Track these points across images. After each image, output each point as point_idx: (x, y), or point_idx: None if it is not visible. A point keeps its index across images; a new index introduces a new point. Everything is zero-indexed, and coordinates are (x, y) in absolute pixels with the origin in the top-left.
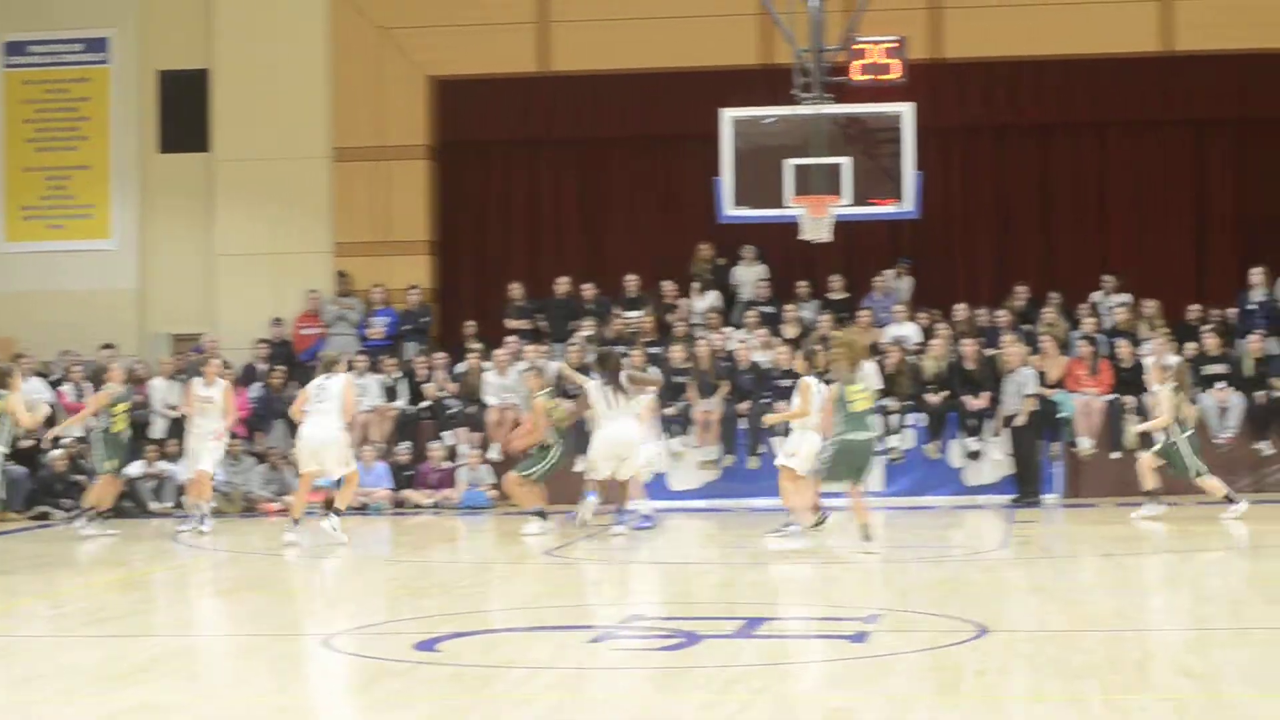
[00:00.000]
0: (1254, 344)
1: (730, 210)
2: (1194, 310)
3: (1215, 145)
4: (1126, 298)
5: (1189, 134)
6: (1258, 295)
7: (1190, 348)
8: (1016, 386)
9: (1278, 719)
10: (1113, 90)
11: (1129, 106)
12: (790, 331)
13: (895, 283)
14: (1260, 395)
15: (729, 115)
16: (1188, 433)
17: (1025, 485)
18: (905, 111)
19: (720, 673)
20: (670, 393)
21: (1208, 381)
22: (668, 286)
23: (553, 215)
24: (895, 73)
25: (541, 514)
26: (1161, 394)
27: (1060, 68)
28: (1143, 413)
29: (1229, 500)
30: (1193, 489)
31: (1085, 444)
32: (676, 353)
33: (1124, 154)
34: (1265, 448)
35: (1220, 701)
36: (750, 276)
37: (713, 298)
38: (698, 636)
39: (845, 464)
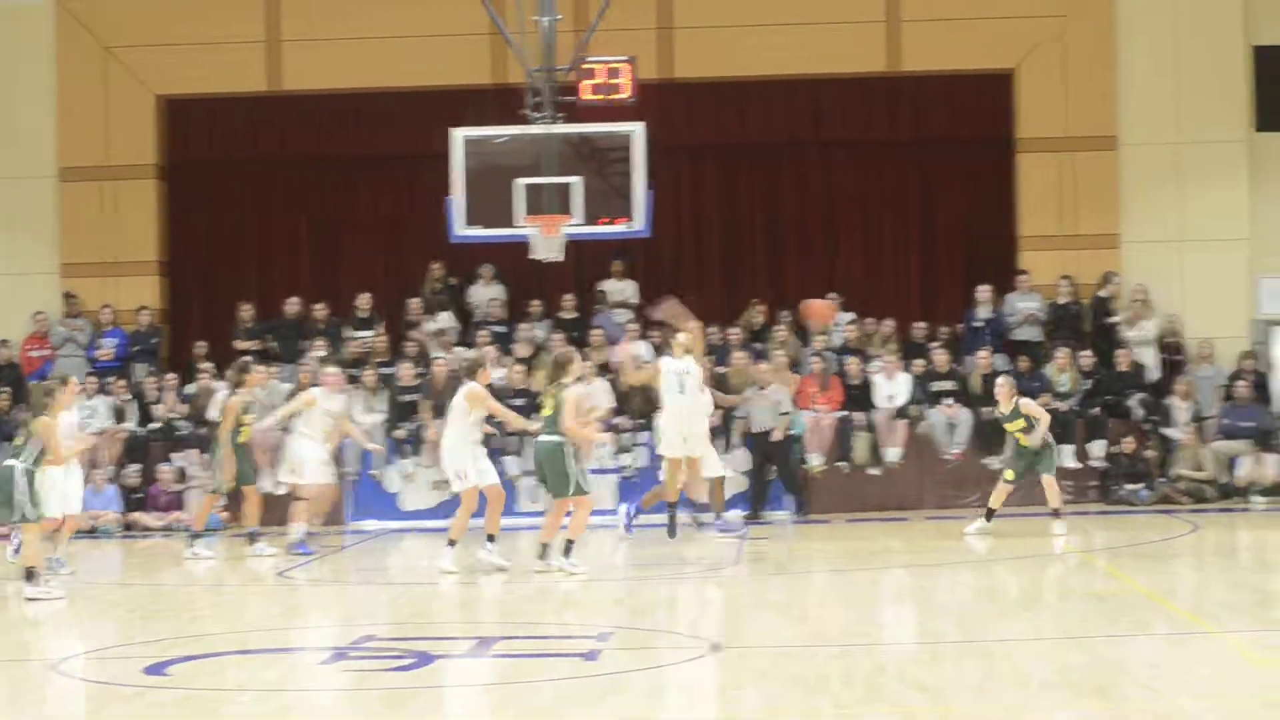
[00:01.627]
0: (981, 360)
1: (462, 230)
2: (920, 328)
3: (941, 165)
4: (854, 316)
5: (915, 154)
6: (984, 313)
7: (919, 365)
8: (772, 404)
9: None
10: (840, 111)
11: (856, 127)
12: (523, 351)
13: (619, 285)
14: (987, 411)
15: (460, 135)
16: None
17: (757, 503)
18: (635, 131)
19: (452, 693)
20: (401, 412)
21: (936, 398)
22: (402, 306)
23: (284, 235)
24: (625, 92)
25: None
26: (1029, 405)
27: (787, 88)
28: (871, 429)
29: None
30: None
31: (815, 460)
32: (406, 372)
33: (851, 173)
34: (993, 462)
35: (949, 714)
36: (486, 296)
37: (445, 318)
38: (431, 657)
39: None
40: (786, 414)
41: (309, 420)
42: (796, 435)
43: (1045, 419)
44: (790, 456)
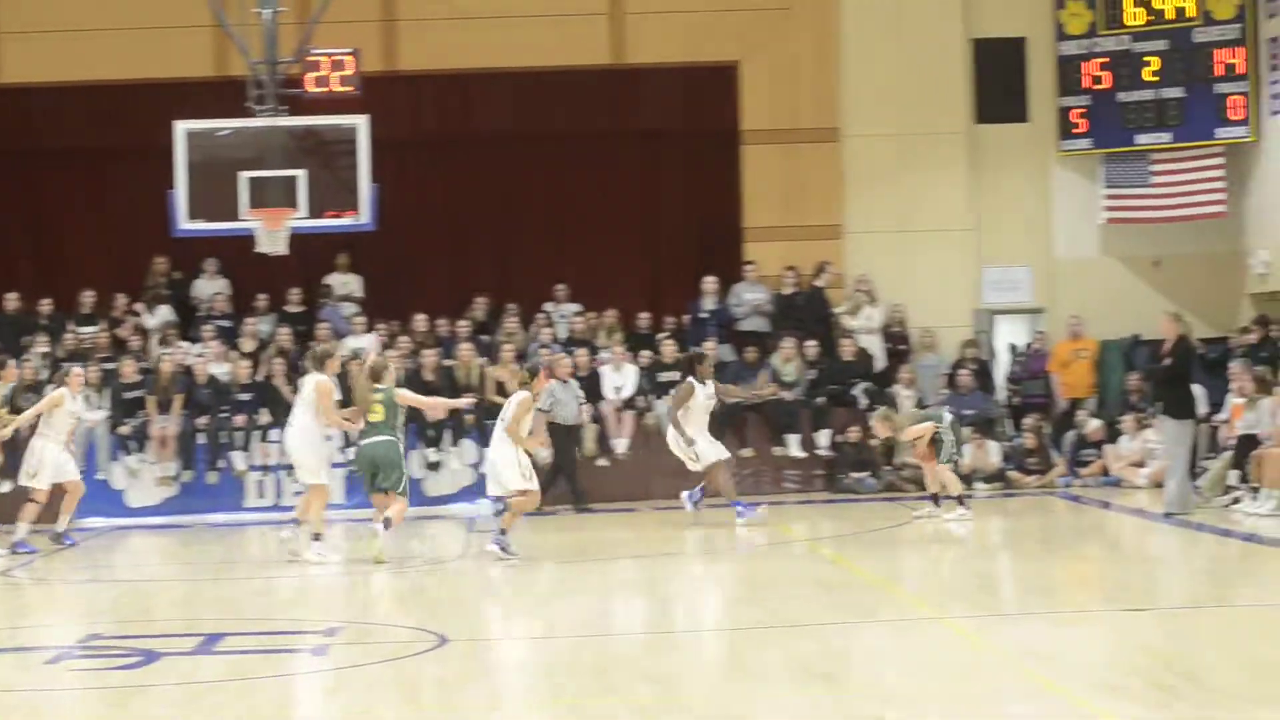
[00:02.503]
0: (708, 351)
1: (185, 224)
2: (647, 319)
3: (666, 156)
4: (580, 307)
5: (640, 146)
6: (710, 303)
7: (646, 356)
8: (575, 397)
9: (734, 716)
10: (565, 103)
11: (581, 119)
12: (248, 345)
13: (344, 278)
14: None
15: (182, 127)
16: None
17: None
18: (360, 124)
19: (178, 690)
20: (125, 408)
21: (663, 389)
22: (122, 301)
23: (1, 229)
24: (348, 85)
25: None
26: (913, 431)
27: (513, 80)
28: (599, 421)
29: (961, 501)
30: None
31: (543, 454)
32: (128, 367)
33: (577, 166)
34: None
35: (677, 703)
36: (210, 290)
37: (165, 311)
38: (156, 654)
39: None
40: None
41: (50, 421)
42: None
43: (925, 430)
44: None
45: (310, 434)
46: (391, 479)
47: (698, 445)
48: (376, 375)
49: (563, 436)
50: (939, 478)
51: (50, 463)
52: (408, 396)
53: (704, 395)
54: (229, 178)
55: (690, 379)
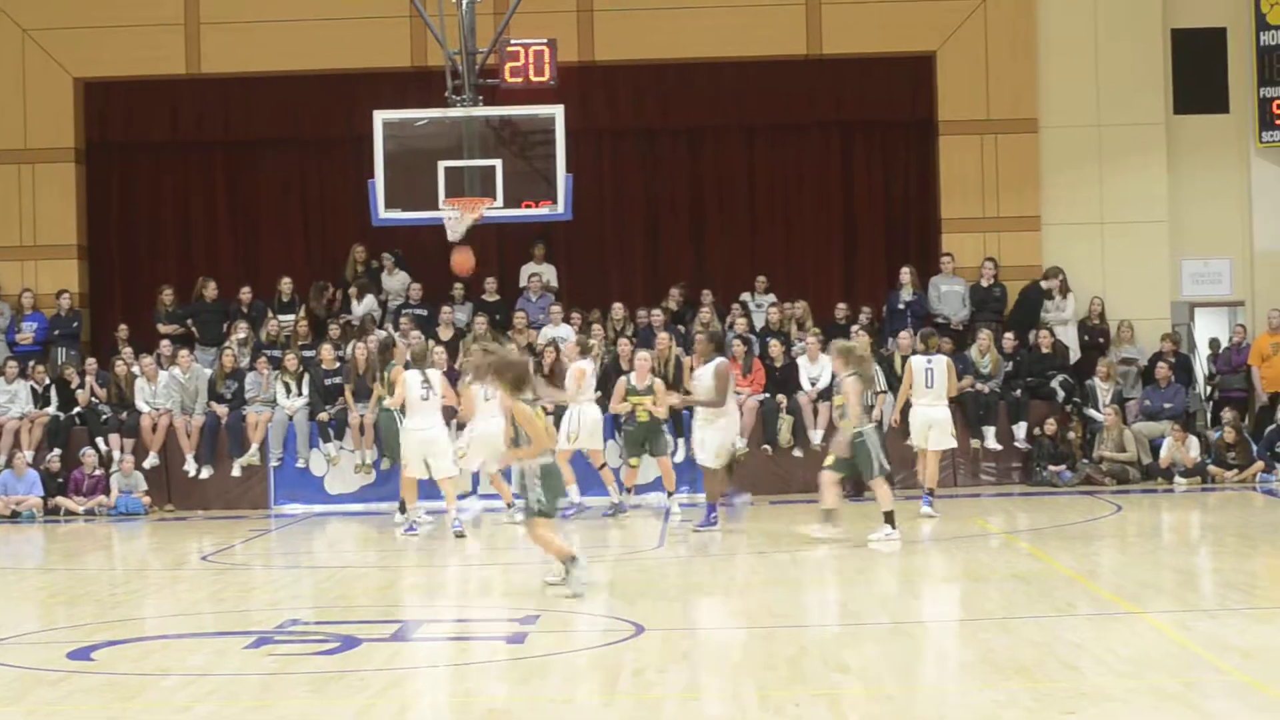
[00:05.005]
0: (904, 342)
1: (385, 213)
2: (842, 310)
3: (863, 147)
4: (775, 298)
5: (836, 136)
6: (906, 295)
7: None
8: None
9: (929, 713)
10: (760, 93)
11: (776, 109)
12: (445, 334)
13: (540, 268)
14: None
15: (381, 117)
16: (872, 424)
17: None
18: (556, 114)
19: (377, 676)
20: (325, 395)
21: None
22: (328, 290)
23: (203, 219)
24: (546, 75)
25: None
26: (846, 384)
27: (708, 71)
28: (794, 411)
29: (888, 522)
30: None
31: (740, 444)
32: (327, 354)
33: (772, 156)
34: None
35: (873, 694)
36: (401, 281)
37: (370, 301)
38: (356, 640)
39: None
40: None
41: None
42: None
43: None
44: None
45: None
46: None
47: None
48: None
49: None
50: (874, 491)
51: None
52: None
53: None
54: (427, 168)
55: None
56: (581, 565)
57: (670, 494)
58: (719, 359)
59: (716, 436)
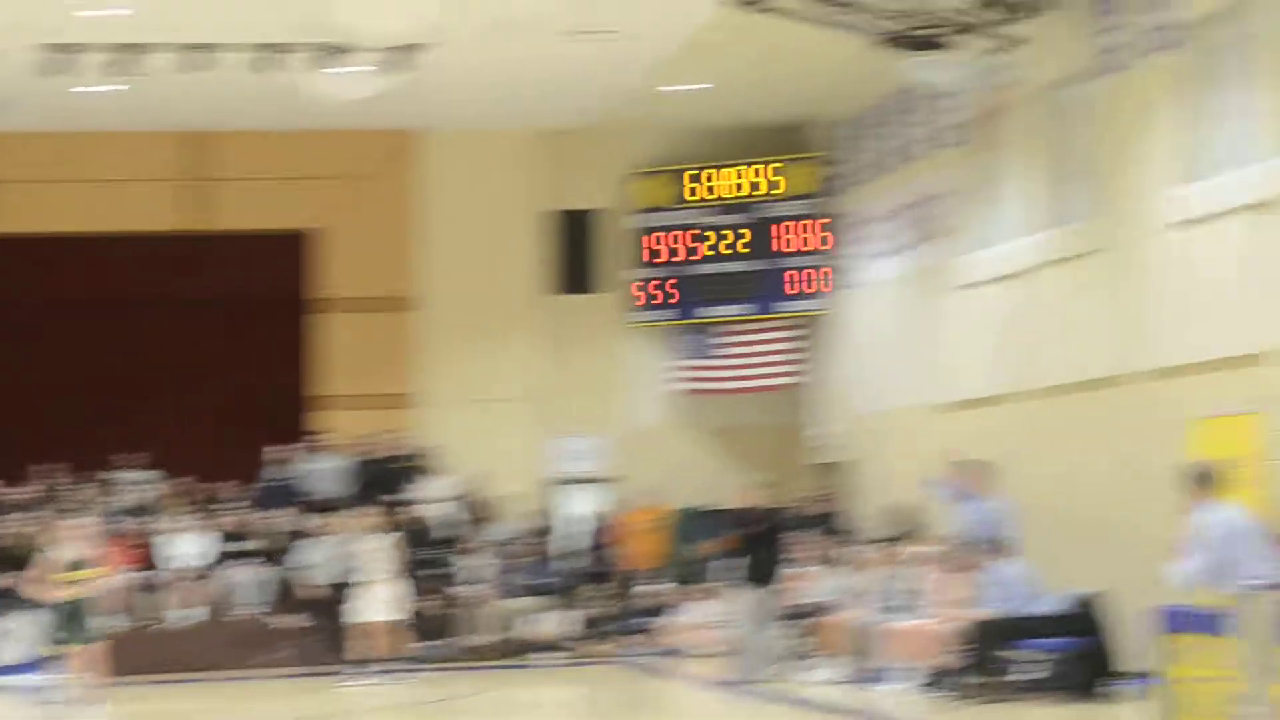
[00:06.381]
0: (277, 519)
1: None
2: (220, 486)
3: (242, 323)
4: (153, 474)
5: (217, 312)
6: (279, 471)
7: (218, 523)
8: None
9: None
10: (143, 268)
11: (159, 285)
12: None
13: None
14: (283, 569)
15: None
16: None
17: None
18: None
19: None
20: None
21: (234, 556)
22: None
23: None
24: None
25: None
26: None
27: (86, 245)
28: (169, 587)
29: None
30: None
31: (114, 621)
32: None
33: (154, 332)
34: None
35: None
36: None
37: None
38: None
39: None
40: None
41: None
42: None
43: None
44: None
45: None
46: None
47: None
48: None
49: None
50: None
51: None
52: None
53: None
54: None
55: None
56: None
57: None
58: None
59: None
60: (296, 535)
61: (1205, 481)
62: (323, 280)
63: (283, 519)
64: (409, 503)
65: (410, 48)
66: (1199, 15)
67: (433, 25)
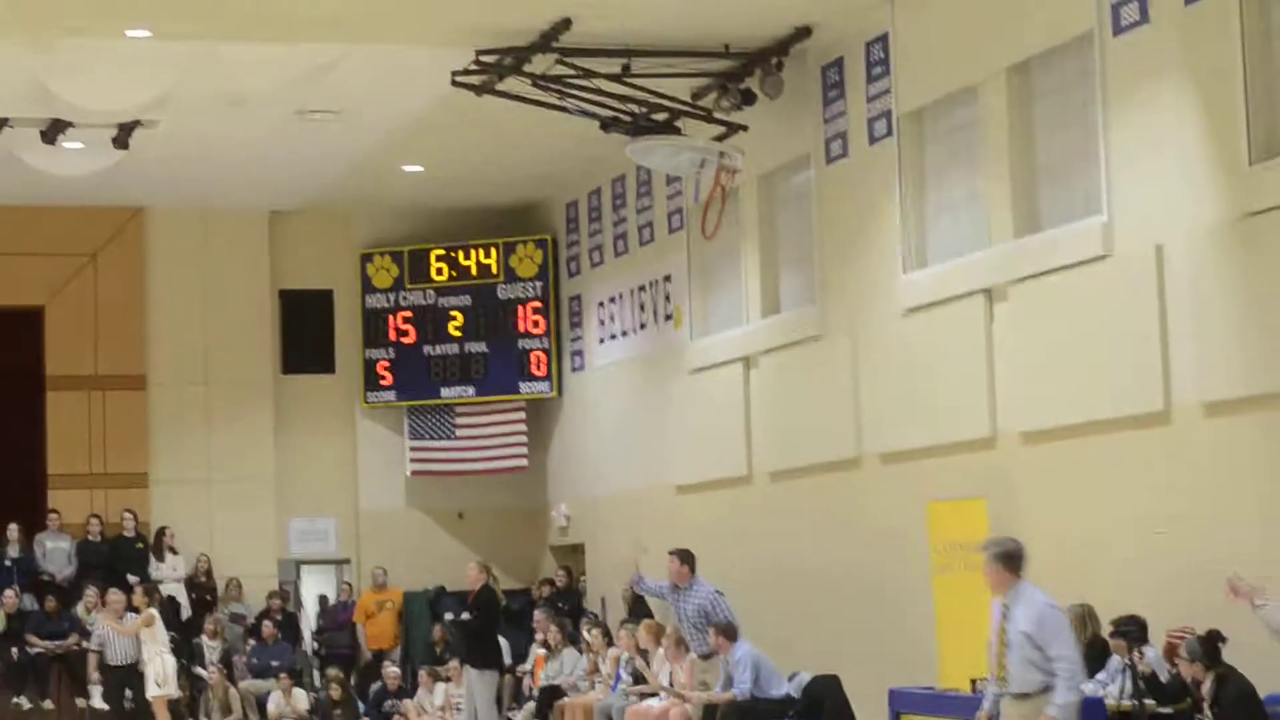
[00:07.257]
0: (9, 600)
1: None
2: None
3: None
4: None
5: None
6: (13, 552)
7: None
8: None
9: None
10: None
11: None
12: None
13: None
14: (15, 651)
15: None
16: None
17: None
18: None
19: None
20: None
21: None
22: None
23: None
24: None
25: None
26: None
27: None
28: None
29: None
30: None
31: None
32: None
33: None
34: (24, 702)
35: None
36: None
37: None
38: None
39: None
40: None
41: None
42: None
43: None
44: None
45: None
46: None
47: None
48: None
49: None
50: None
51: None
52: None
53: None
54: None
55: None
56: None
57: None
58: None
59: None
60: (28, 615)
61: (1012, 561)
62: (54, 358)
63: (11, 599)
64: (153, 582)
65: (135, 124)
66: (921, 104)
67: (159, 102)
